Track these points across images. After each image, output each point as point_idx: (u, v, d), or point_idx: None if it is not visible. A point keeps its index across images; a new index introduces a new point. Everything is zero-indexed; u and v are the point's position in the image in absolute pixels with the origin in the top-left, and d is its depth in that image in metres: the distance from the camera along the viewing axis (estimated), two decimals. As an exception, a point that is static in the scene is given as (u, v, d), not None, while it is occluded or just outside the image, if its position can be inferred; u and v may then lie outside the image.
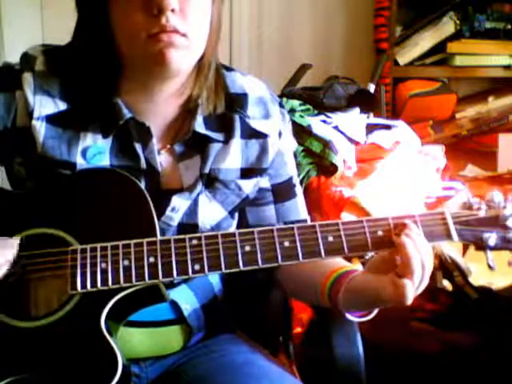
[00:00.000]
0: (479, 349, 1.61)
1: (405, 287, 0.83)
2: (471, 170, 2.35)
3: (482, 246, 0.92)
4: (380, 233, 0.90)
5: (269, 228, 0.90)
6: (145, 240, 0.89)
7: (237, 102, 1.06)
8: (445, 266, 1.69)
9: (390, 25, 2.41)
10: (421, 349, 1.63)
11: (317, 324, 1.43)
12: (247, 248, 0.89)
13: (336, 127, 1.85)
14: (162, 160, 1.02)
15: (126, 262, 0.88)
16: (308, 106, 1.91)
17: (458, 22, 2.38)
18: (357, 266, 0.99)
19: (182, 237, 0.90)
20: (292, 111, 1.85)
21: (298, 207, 1.14)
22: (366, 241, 0.89)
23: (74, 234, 0.91)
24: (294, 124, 1.73)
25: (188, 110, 1.03)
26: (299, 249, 0.89)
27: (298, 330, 1.60)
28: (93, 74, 0.98)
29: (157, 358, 1.07)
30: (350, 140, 1.85)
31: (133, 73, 0.98)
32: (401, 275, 0.85)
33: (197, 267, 0.88)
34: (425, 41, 2.42)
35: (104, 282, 0.88)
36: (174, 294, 1.02)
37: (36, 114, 0.98)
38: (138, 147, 1.00)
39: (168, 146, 1.03)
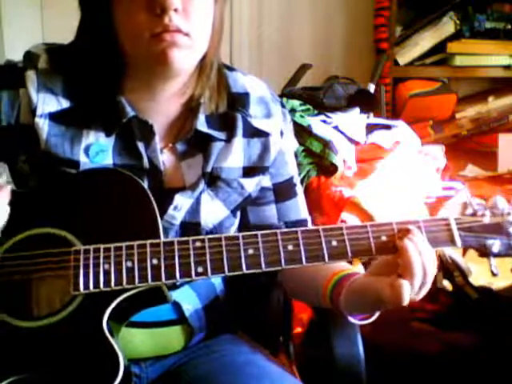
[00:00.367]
0: (479, 349, 1.61)
1: (401, 287, 0.83)
2: (471, 170, 2.35)
3: (485, 252, 0.92)
4: (384, 238, 0.89)
5: (272, 231, 0.90)
6: (148, 241, 0.89)
7: (239, 101, 1.06)
8: (445, 266, 1.69)
9: (390, 25, 2.42)
10: (421, 349, 1.63)
11: (317, 324, 1.43)
12: (250, 251, 0.88)
13: (336, 127, 1.85)
14: (165, 159, 1.03)
15: (129, 264, 0.88)
16: (308, 106, 1.91)
17: (457, 22, 2.39)
18: (358, 269, 0.99)
19: (185, 239, 0.90)
20: (292, 111, 1.85)
21: (299, 207, 1.14)
22: (369, 246, 0.89)
23: (77, 233, 0.91)
24: (294, 124, 1.73)
25: (190, 108, 1.03)
26: (303, 253, 0.88)
27: (298, 330, 1.60)
28: (96, 73, 0.99)
29: (157, 358, 1.07)
30: (350, 140, 1.85)
31: (136, 72, 0.98)
32: (401, 277, 0.85)
33: (200, 270, 0.88)
34: (425, 41, 2.42)
35: (107, 283, 0.87)
36: (176, 295, 1.02)
37: (39, 112, 0.98)
38: (141, 146, 1.00)
39: (170, 145, 1.04)
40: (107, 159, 0.99)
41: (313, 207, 1.25)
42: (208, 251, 0.88)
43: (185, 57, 0.92)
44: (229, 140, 1.04)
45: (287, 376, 1.03)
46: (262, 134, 1.07)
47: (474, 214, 0.92)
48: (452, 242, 0.91)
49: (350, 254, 0.89)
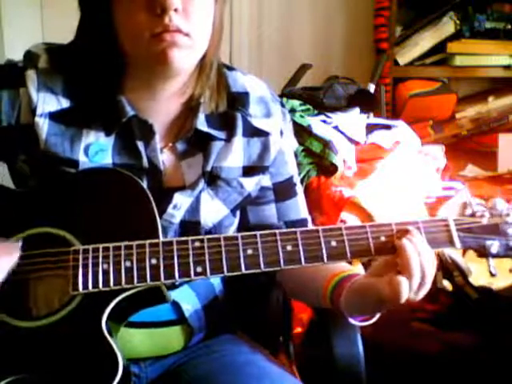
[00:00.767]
0: (479, 349, 1.61)
1: (399, 284, 0.83)
2: (471, 170, 2.35)
3: (484, 253, 0.92)
4: (383, 238, 0.90)
5: (271, 232, 0.90)
6: (147, 241, 0.89)
7: (238, 100, 1.06)
8: (445, 266, 1.69)
9: (390, 25, 2.42)
10: (421, 349, 1.63)
11: (317, 324, 1.43)
12: (249, 251, 0.88)
13: (336, 127, 1.85)
14: (164, 158, 1.03)
15: (128, 263, 0.88)
16: (308, 106, 1.91)
17: (457, 22, 2.38)
18: (358, 269, 0.98)
19: (184, 239, 0.90)
20: (292, 111, 1.85)
21: (299, 206, 1.14)
22: (368, 246, 0.89)
23: (76, 233, 0.91)
24: (294, 124, 1.73)
25: (190, 108, 1.03)
26: (302, 253, 0.89)
27: (298, 330, 1.60)
28: (96, 72, 0.99)
29: (157, 358, 1.07)
30: (350, 140, 1.85)
31: (136, 71, 0.99)
32: (399, 273, 0.85)
33: (199, 270, 0.88)
34: (425, 41, 2.42)
35: (106, 282, 0.87)
36: (176, 295, 1.02)
37: (39, 111, 0.98)
38: (141, 145, 1.00)
39: (170, 145, 1.04)
40: (106, 159, 0.99)
41: (313, 207, 1.25)
42: (207, 251, 0.88)
43: (185, 57, 0.92)
44: (229, 139, 1.04)
45: (287, 376, 1.03)
46: (261, 134, 1.07)
47: (472, 215, 0.93)
48: (451, 243, 0.91)
49: (349, 254, 0.89)
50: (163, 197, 0.98)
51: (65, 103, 0.99)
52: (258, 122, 1.06)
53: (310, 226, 1.16)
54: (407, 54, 2.44)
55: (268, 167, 1.08)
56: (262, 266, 0.88)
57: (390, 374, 1.56)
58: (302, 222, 1.14)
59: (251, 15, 2.55)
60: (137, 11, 0.89)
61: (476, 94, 2.61)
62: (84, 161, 0.98)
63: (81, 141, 0.99)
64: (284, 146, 1.11)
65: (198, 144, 1.03)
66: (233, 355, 1.05)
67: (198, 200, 1.02)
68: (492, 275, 0.92)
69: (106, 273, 0.88)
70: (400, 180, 1.80)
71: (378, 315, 0.94)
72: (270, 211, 1.12)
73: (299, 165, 1.68)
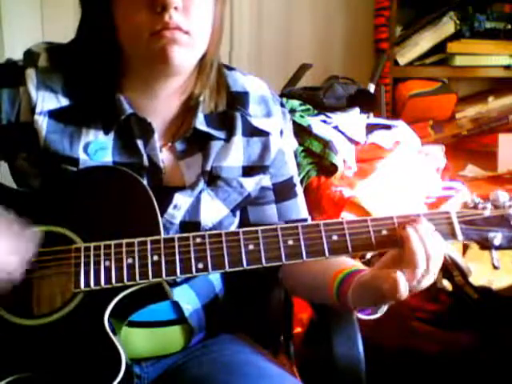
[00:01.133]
0: (479, 349, 1.61)
1: (396, 281, 0.83)
2: (471, 170, 2.35)
3: (487, 245, 0.92)
4: (384, 232, 0.89)
5: (273, 227, 0.90)
6: (148, 238, 0.89)
7: (238, 100, 1.06)
8: (445, 266, 1.69)
9: (390, 25, 2.41)
10: (421, 349, 1.63)
11: (317, 324, 1.43)
12: (251, 247, 0.89)
13: (336, 127, 1.85)
14: (164, 157, 1.03)
15: (130, 260, 0.88)
16: (308, 106, 1.90)
17: (457, 22, 2.38)
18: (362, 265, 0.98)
19: (185, 235, 0.90)
20: (292, 111, 1.84)
21: (299, 206, 1.14)
22: (370, 240, 0.89)
23: (77, 231, 0.91)
24: (294, 124, 1.73)
25: (189, 107, 1.03)
26: (303, 248, 0.89)
27: (298, 329, 1.60)
28: (95, 71, 0.99)
29: (158, 358, 1.07)
30: (350, 140, 1.85)
31: (135, 70, 0.99)
32: (405, 268, 0.85)
33: (200, 266, 0.88)
34: (425, 41, 2.42)
35: (107, 280, 0.88)
36: (176, 294, 1.02)
37: (38, 109, 0.98)
38: (140, 144, 1.00)
39: (169, 144, 1.04)
40: (107, 157, 0.99)
41: (313, 207, 1.25)
42: (208, 247, 0.88)
43: (185, 54, 0.92)
44: (228, 139, 1.04)
45: (287, 376, 1.03)
46: (261, 134, 1.07)
47: (474, 208, 0.92)
48: (453, 236, 0.90)
49: (350, 248, 0.89)
50: (163, 196, 0.98)
51: (64, 101, 1.00)
52: (257, 122, 1.06)
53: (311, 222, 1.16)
54: (407, 54, 2.44)
55: (268, 167, 1.08)
56: (264, 261, 0.88)
57: (390, 374, 1.56)
58: (302, 222, 1.14)
59: (251, 15, 2.55)
60: (137, 9, 0.90)
61: (476, 94, 2.61)
62: (84, 159, 0.98)
63: (80, 139, 0.99)
64: (284, 147, 1.11)
65: (197, 143, 1.03)
66: (233, 355, 1.05)
67: (198, 200, 1.02)
68: (495, 268, 0.92)
69: (107, 270, 0.88)
70: (400, 180, 1.79)
71: (384, 308, 0.93)
72: (271, 211, 1.12)
73: (299, 165, 1.69)
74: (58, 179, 0.98)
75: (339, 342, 1.05)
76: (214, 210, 1.04)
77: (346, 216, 1.69)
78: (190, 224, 1.01)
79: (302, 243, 0.89)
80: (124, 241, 0.89)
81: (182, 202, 1.00)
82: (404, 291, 0.84)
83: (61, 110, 0.99)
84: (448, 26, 2.39)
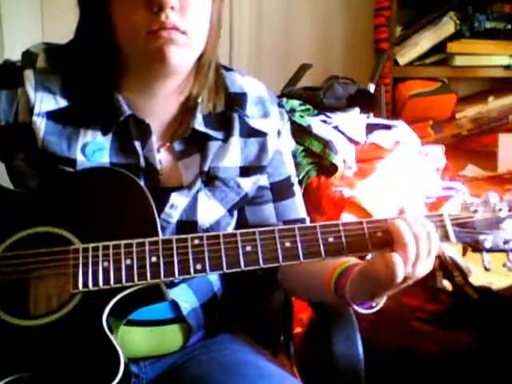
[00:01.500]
0: (479, 349, 1.61)
1: (393, 262, 0.84)
2: (471, 170, 2.35)
3: (478, 248, 0.93)
4: (379, 234, 0.90)
5: (270, 228, 0.91)
6: (147, 240, 0.89)
7: (236, 101, 1.06)
8: (445, 266, 1.69)
9: (390, 25, 2.41)
10: (421, 349, 1.63)
11: (317, 324, 1.43)
12: (248, 248, 0.89)
13: (336, 127, 1.85)
14: (162, 158, 1.03)
15: (128, 262, 0.88)
16: (308, 106, 1.90)
17: (457, 22, 2.38)
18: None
19: (183, 236, 0.90)
20: (292, 111, 1.84)
21: (297, 206, 1.14)
22: (365, 242, 0.90)
23: (76, 232, 0.91)
24: (294, 124, 1.73)
25: (187, 108, 1.03)
26: (300, 249, 0.89)
27: (298, 329, 1.60)
28: (93, 72, 0.99)
29: (156, 358, 1.07)
30: (350, 140, 1.85)
31: (134, 70, 0.99)
32: (393, 250, 0.86)
33: (198, 267, 0.88)
34: (425, 41, 2.42)
35: (106, 281, 0.88)
36: (174, 293, 1.02)
37: (36, 110, 0.99)
38: (138, 145, 1.00)
39: (167, 144, 1.04)
40: (104, 158, 0.99)
41: (313, 207, 1.25)
42: (206, 248, 0.89)
43: (182, 54, 0.93)
44: (226, 139, 1.04)
45: (287, 376, 1.03)
46: (259, 134, 1.07)
47: (467, 209, 0.93)
48: (446, 238, 0.91)
49: (346, 250, 0.90)
50: (160, 196, 0.98)
51: (62, 102, 1.00)
52: (255, 123, 1.07)
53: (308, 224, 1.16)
54: (407, 54, 2.43)
55: (265, 167, 1.08)
56: (261, 262, 0.89)
57: (390, 374, 1.56)
58: (301, 222, 1.14)
59: (251, 15, 2.55)
60: (134, 9, 0.90)
61: (476, 94, 2.61)
62: (82, 160, 0.99)
63: (78, 140, 0.99)
64: (281, 147, 1.11)
65: (196, 144, 1.04)
66: (232, 355, 1.05)
67: (195, 200, 1.02)
68: (486, 269, 0.93)
69: (106, 271, 0.88)
70: (400, 180, 1.79)
71: (382, 301, 0.94)
72: (269, 211, 1.12)
73: (299, 165, 1.69)
74: (55, 180, 0.98)
75: (339, 342, 1.05)
76: (211, 210, 1.04)
77: (346, 216, 1.69)
78: (187, 223, 1.01)
79: (299, 245, 0.89)
80: (122, 242, 0.89)
81: (178, 202, 1.00)
82: (400, 272, 0.84)
83: (59, 112, 0.99)
84: (448, 25, 2.39)
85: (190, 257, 0.89)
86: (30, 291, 0.91)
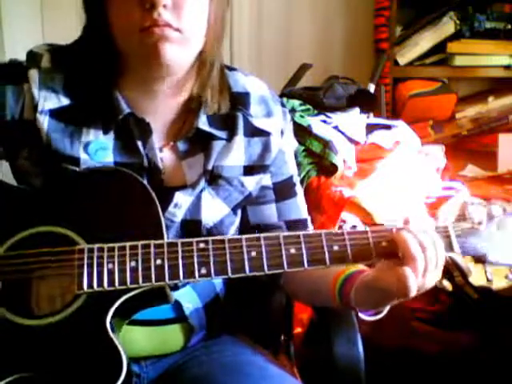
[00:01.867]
0: (479, 349, 1.61)
1: (407, 278, 0.84)
2: (471, 170, 2.35)
3: (481, 260, 0.93)
4: (384, 243, 0.90)
5: (275, 234, 0.91)
6: (152, 242, 0.89)
7: (239, 100, 1.06)
8: (445, 266, 1.69)
9: (390, 25, 2.41)
10: (421, 349, 1.63)
11: (317, 324, 1.43)
12: (253, 254, 0.89)
13: (336, 127, 1.85)
14: (165, 157, 1.03)
15: (133, 264, 0.88)
16: (308, 106, 1.90)
17: (457, 22, 2.38)
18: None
19: (189, 240, 0.90)
20: (292, 111, 1.84)
21: (299, 206, 1.15)
22: (370, 251, 0.90)
23: (81, 232, 0.91)
24: (294, 124, 1.72)
25: (190, 108, 1.03)
26: (305, 256, 0.89)
27: (299, 330, 1.60)
28: (94, 71, 1.00)
29: (157, 358, 1.07)
30: (350, 140, 1.85)
31: (132, 69, 0.99)
32: (403, 264, 0.85)
33: (203, 271, 0.88)
34: (425, 41, 2.42)
35: (111, 282, 0.88)
36: (177, 294, 1.03)
37: (40, 108, 0.99)
38: (140, 144, 1.01)
39: (171, 144, 1.04)
40: (108, 157, 1.00)
41: (313, 207, 1.25)
42: (212, 253, 0.89)
43: (177, 51, 0.93)
44: (230, 139, 1.04)
45: (287, 377, 1.03)
46: (262, 134, 1.07)
47: (471, 222, 0.93)
48: (450, 249, 0.91)
49: (350, 258, 0.90)
50: (164, 196, 0.98)
51: (65, 101, 1.01)
52: (258, 122, 1.07)
53: (311, 226, 1.16)
54: (407, 54, 2.43)
55: (269, 166, 1.09)
56: (266, 268, 0.89)
57: (390, 374, 1.56)
58: (302, 222, 1.14)
59: (251, 15, 2.55)
60: (127, 7, 0.91)
61: (476, 94, 2.61)
62: (85, 158, 0.99)
63: (80, 138, 0.99)
64: (284, 146, 1.11)
65: (199, 143, 1.04)
66: (233, 356, 1.05)
67: (198, 199, 1.02)
68: (488, 280, 0.93)
69: (111, 272, 0.88)
70: (400, 180, 1.79)
71: (386, 309, 0.94)
72: (271, 211, 1.12)
73: (299, 165, 1.68)
74: (60, 180, 0.98)
75: (339, 342, 1.05)
76: (214, 209, 1.04)
77: (346, 216, 1.69)
78: (191, 222, 1.02)
79: (304, 252, 0.89)
80: (128, 243, 0.89)
81: (182, 201, 1.00)
82: (414, 287, 0.84)
83: (61, 110, 1.00)
84: (448, 25, 2.39)
85: (195, 260, 0.88)
86: (34, 291, 0.91)
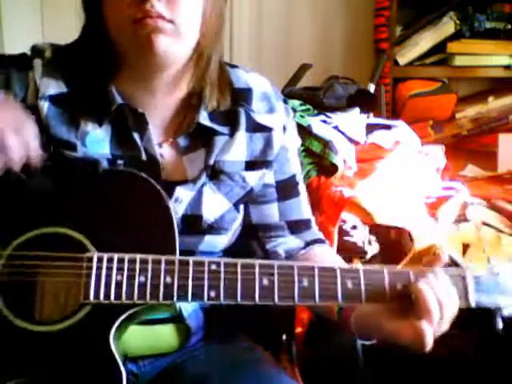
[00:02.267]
0: (479, 349, 1.61)
1: (424, 334, 0.82)
2: (471, 170, 2.35)
3: (495, 313, 0.90)
4: (399, 286, 0.87)
5: (289, 264, 0.88)
6: (163, 257, 0.87)
7: (241, 96, 1.06)
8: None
9: (390, 25, 2.41)
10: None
11: (317, 324, 1.43)
12: (265, 282, 0.86)
13: (336, 127, 1.85)
14: (165, 153, 1.03)
15: (142, 279, 0.86)
16: (308, 106, 1.90)
17: (457, 22, 2.38)
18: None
19: (201, 260, 0.87)
20: (292, 111, 1.84)
21: (301, 206, 1.14)
22: (384, 292, 0.87)
23: (92, 238, 0.89)
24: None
25: (189, 104, 1.03)
26: (317, 291, 0.86)
27: (299, 329, 1.60)
28: (91, 67, 1.01)
29: (154, 357, 1.07)
30: (350, 140, 1.85)
31: (129, 63, 1.00)
32: (418, 318, 0.83)
33: (212, 294, 0.86)
34: (425, 41, 2.42)
35: (118, 296, 0.86)
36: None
37: (41, 94, 1.00)
38: (137, 137, 1.00)
39: (171, 140, 1.04)
40: (104, 149, 1.00)
41: (313, 207, 1.25)
42: (223, 276, 0.86)
43: (171, 43, 0.93)
44: (232, 134, 1.04)
45: (287, 378, 1.02)
46: (264, 129, 1.07)
47: (491, 271, 0.89)
48: (466, 300, 0.89)
49: (364, 297, 0.87)
50: (165, 191, 0.97)
51: (64, 89, 1.02)
52: (261, 118, 1.07)
53: (314, 228, 1.16)
54: (407, 54, 2.43)
55: (271, 162, 1.08)
56: (276, 299, 0.86)
57: (390, 374, 1.56)
58: (304, 223, 1.14)
59: (251, 15, 2.55)
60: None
61: (476, 94, 2.61)
62: (82, 147, 0.99)
63: (78, 128, 1.00)
64: (287, 143, 1.11)
65: (201, 139, 1.04)
66: (232, 356, 1.05)
67: (200, 193, 1.02)
68: (497, 331, 0.90)
69: (118, 285, 0.86)
70: (400, 180, 1.79)
71: None
72: (273, 210, 1.11)
73: (300, 164, 1.68)
74: (76, 181, 0.95)
75: (339, 342, 1.05)
76: (215, 204, 1.04)
77: (346, 216, 1.69)
78: (192, 217, 1.01)
79: (317, 286, 0.86)
80: (138, 256, 0.87)
81: (183, 196, 1.00)
82: (430, 341, 0.83)
83: (61, 96, 1.01)
84: (448, 25, 2.39)
85: (206, 283, 0.86)
86: (41, 295, 0.89)
